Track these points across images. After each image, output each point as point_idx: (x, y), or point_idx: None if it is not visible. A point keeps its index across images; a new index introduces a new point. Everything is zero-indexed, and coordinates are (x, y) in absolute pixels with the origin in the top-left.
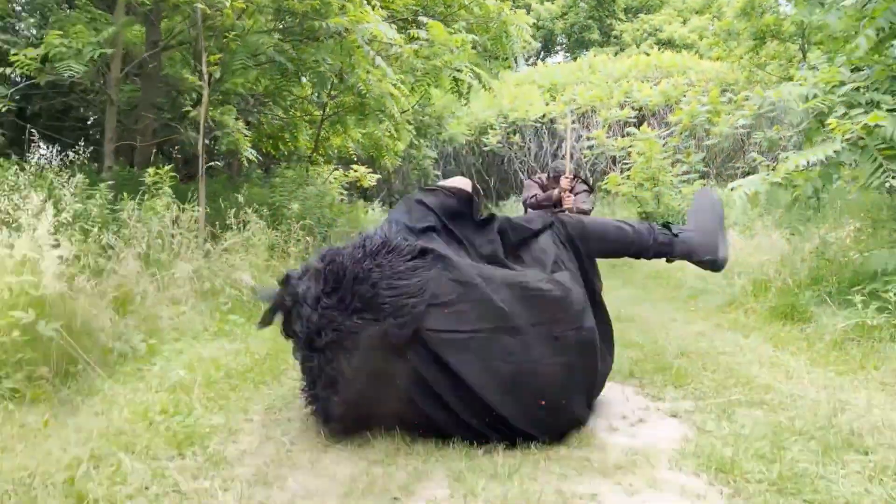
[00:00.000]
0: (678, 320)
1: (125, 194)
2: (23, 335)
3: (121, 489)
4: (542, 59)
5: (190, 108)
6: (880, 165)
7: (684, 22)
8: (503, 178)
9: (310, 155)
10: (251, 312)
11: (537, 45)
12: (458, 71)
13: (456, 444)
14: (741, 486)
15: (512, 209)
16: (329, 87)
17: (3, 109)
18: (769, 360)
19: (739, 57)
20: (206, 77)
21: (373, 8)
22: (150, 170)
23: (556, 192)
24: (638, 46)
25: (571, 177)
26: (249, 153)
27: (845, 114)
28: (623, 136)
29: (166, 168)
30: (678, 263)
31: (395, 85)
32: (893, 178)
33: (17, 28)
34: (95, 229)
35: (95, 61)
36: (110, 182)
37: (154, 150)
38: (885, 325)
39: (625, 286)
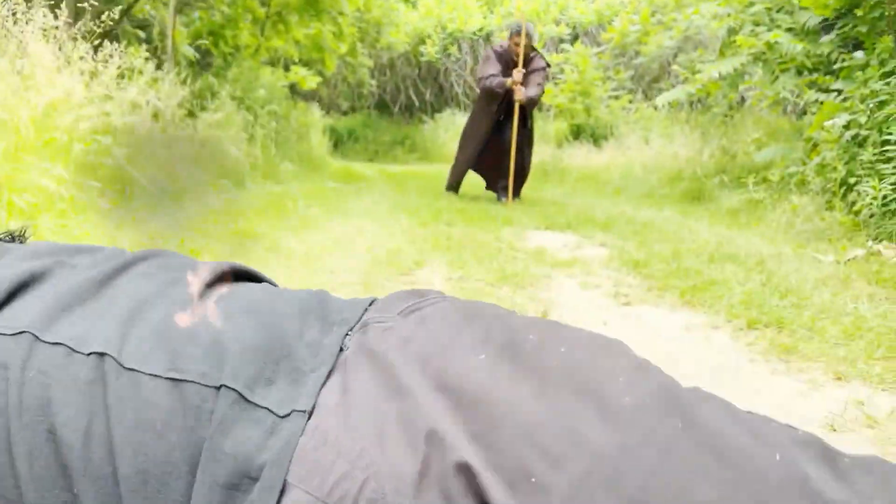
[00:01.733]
0: (605, 205)
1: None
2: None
3: None
4: None
5: None
6: (777, 77)
7: None
8: (439, 91)
9: (254, 52)
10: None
11: None
12: None
13: None
14: (649, 274)
15: (448, 121)
16: None
17: None
18: (677, 222)
19: None
20: None
21: None
22: (131, 48)
23: (509, 80)
24: None
25: (523, 71)
26: (186, 48)
27: (752, 31)
28: (558, 52)
29: (142, 48)
30: (606, 161)
31: None
32: (786, 90)
33: None
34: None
35: None
36: None
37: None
38: (767, 199)
39: (556, 187)
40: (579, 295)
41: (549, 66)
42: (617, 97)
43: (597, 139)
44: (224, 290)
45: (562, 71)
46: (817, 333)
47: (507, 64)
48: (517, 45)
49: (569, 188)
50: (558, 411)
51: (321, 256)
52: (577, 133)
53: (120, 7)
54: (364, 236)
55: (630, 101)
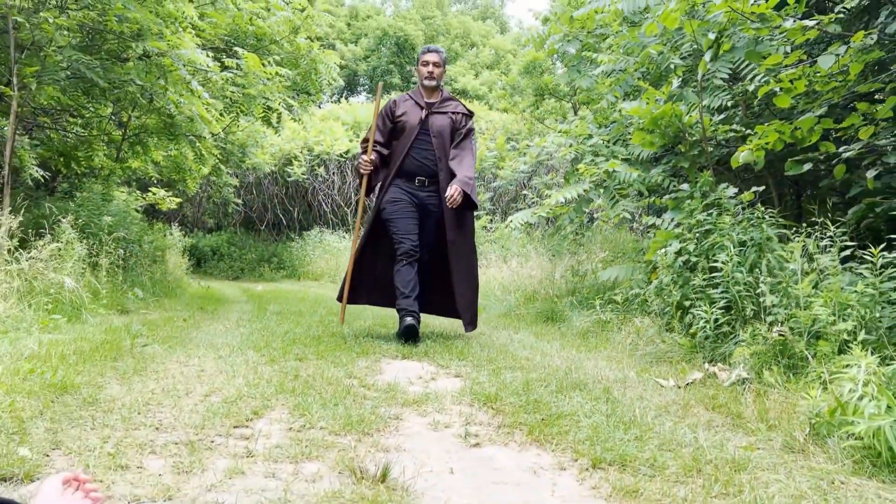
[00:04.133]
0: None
1: None
2: None
3: None
4: (346, 98)
5: None
6: (617, 201)
7: (476, 75)
8: (307, 209)
9: (108, 175)
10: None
11: (341, 83)
12: (269, 101)
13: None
14: (500, 408)
15: (316, 239)
16: (133, 108)
17: None
18: (531, 345)
19: (522, 110)
20: (15, 86)
21: (185, 31)
22: None
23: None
24: None
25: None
26: (35, 170)
27: (592, 160)
28: None
29: None
30: None
31: (206, 108)
32: (627, 211)
33: None
34: None
35: None
36: None
37: None
38: (614, 320)
39: None
40: (428, 437)
41: (471, 114)
42: (478, 217)
43: None
44: None
45: None
46: (658, 471)
47: (416, 106)
48: (426, 64)
49: None
50: None
51: (148, 408)
52: None
53: None
54: (203, 379)
55: (490, 221)
